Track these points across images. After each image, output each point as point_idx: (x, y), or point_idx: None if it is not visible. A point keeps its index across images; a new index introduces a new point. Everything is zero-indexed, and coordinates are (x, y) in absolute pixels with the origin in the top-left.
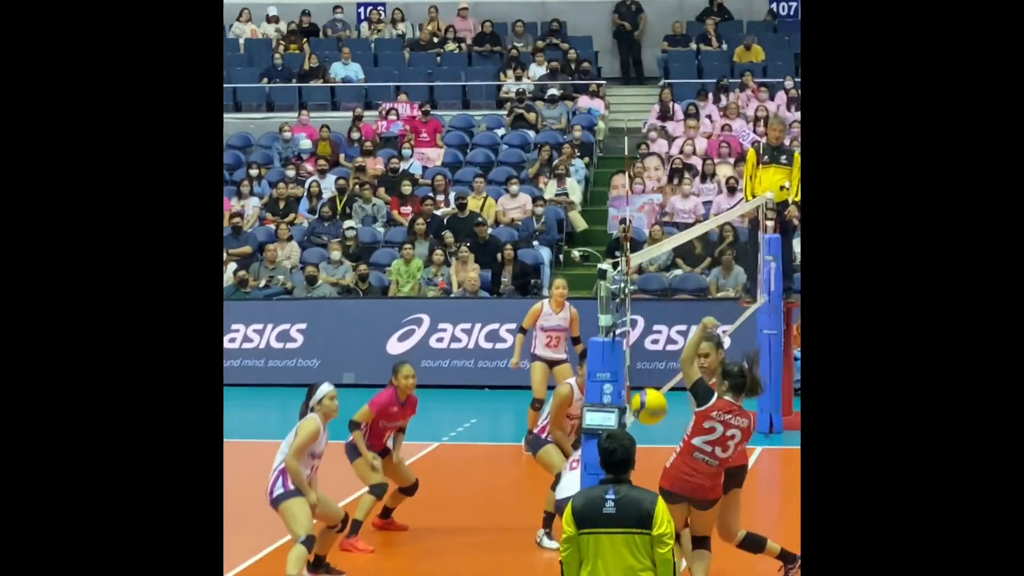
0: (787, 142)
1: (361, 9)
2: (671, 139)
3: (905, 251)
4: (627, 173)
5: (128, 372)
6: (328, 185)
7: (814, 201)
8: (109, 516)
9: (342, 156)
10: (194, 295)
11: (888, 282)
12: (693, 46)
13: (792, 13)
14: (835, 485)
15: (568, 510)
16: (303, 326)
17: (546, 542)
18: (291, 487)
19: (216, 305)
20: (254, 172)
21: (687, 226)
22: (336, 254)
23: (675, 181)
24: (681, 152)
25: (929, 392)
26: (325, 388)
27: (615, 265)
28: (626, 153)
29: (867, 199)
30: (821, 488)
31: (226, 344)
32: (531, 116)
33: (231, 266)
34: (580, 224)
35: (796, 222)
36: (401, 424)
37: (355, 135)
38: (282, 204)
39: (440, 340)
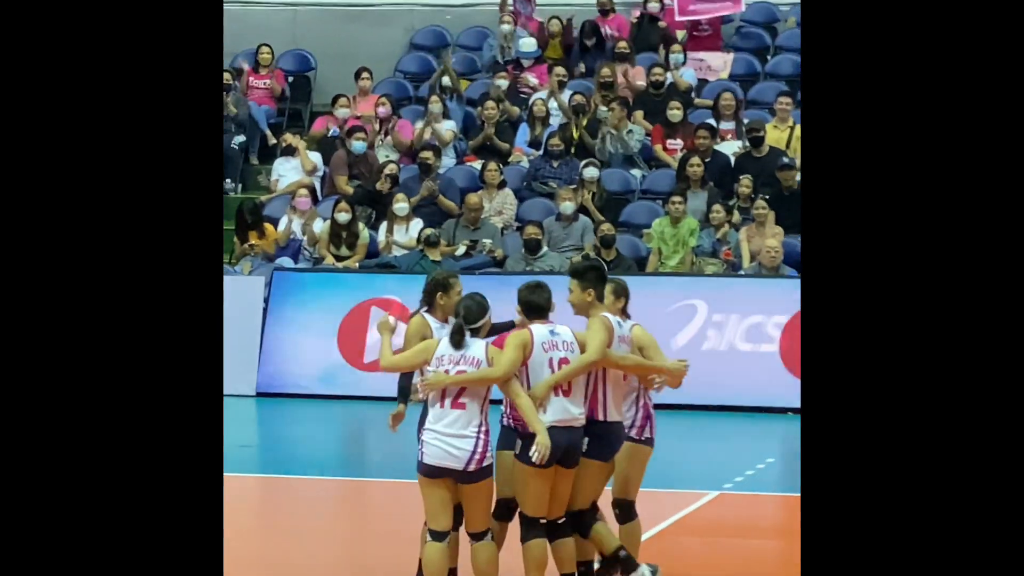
0: None
1: None
2: None
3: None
4: None
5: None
6: (560, 106)
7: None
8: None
9: (581, 64)
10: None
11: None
12: None
13: None
14: (837, 484)
15: None
16: None
17: None
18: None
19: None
20: (449, 83)
21: None
22: (568, 205)
23: None
24: None
25: (938, 388)
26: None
27: None
28: None
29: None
30: (822, 486)
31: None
32: None
33: (414, 223)
34: None
35: None
36: None
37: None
38: (491, 132)
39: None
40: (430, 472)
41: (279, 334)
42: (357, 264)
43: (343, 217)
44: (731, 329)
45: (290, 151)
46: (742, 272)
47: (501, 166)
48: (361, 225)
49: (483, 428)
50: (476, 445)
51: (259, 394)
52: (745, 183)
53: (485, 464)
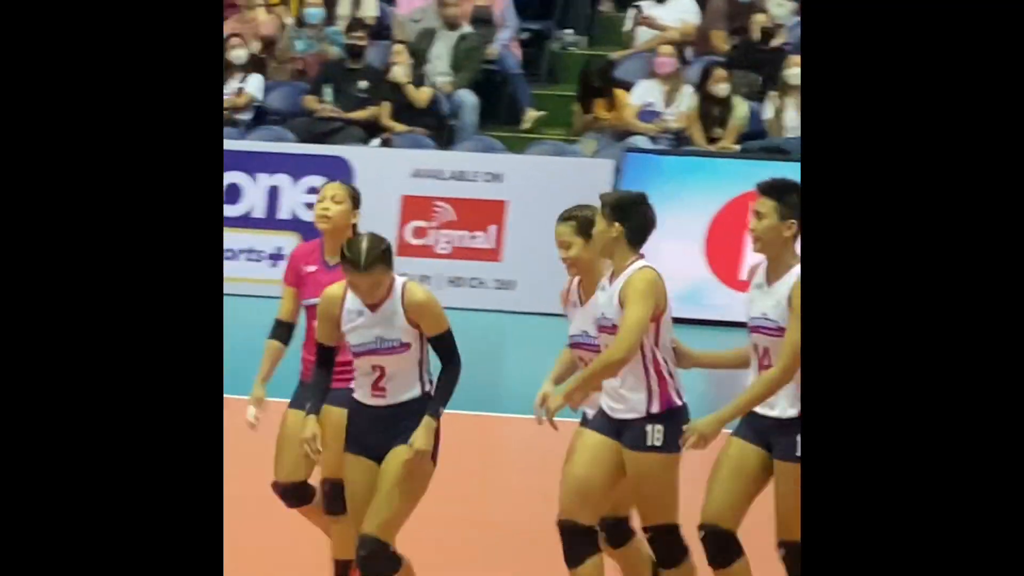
0: None
1: None
2: None
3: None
4: None
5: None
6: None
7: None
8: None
9: None
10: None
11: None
12: None
13: None
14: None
15: None
16: None
17: None
18: None
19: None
20: None
21: None
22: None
23: None
24: None
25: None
26: None
27: None
28: None
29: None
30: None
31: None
32: None
33: None
34: None
35: None
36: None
37: None
38: None
39: None
40: None
41: None
42: (737, 147)
43: (721, 89)
44: None
45: None
46: None
47: None
48: (738, 100)
49: None
50: None
51: None
52: None
53: None
